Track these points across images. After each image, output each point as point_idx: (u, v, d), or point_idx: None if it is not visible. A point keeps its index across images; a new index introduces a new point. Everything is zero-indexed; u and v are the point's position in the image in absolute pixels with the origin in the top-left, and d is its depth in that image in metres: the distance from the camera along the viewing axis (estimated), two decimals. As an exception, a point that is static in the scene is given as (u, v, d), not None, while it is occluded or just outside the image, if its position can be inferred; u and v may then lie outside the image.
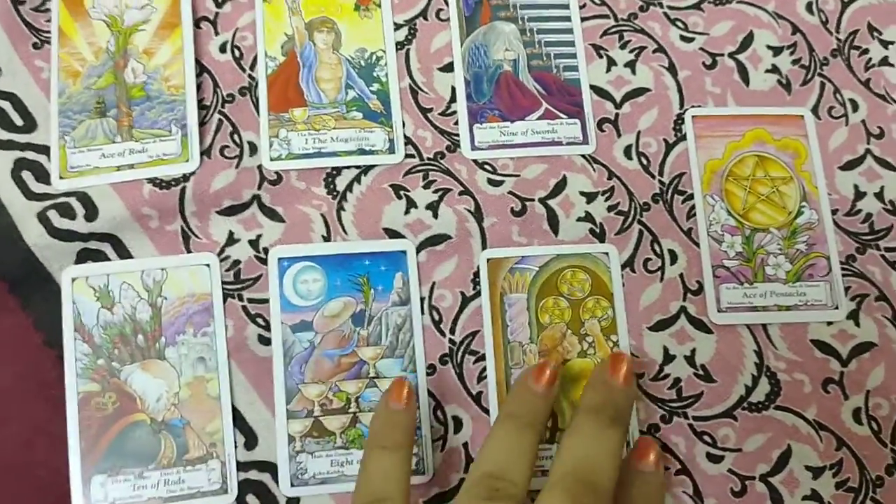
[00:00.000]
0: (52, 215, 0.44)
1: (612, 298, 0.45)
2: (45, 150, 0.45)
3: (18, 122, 0.45)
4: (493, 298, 0.45)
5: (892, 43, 0.50)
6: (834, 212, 0.47)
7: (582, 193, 0.46)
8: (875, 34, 0.50)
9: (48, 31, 0.47)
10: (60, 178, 0.44)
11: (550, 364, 0.40)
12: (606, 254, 0.45)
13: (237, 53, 0.47)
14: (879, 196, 0.47)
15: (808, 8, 0.50)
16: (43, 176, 0.45)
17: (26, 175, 0.45)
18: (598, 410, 0.39)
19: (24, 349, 0.43)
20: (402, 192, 0.46)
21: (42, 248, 0.43)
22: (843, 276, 0.46)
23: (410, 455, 0.39)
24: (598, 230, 0.46)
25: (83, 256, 0.44)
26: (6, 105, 0.46)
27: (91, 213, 0.44)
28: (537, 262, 0.45)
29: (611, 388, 0.40)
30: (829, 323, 0.45)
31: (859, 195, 0.47)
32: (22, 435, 0.42)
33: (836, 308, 0.45)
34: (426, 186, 0.46)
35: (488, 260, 0.45)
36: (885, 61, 0.50)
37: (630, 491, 0.39)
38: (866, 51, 0.50)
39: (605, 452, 0.37)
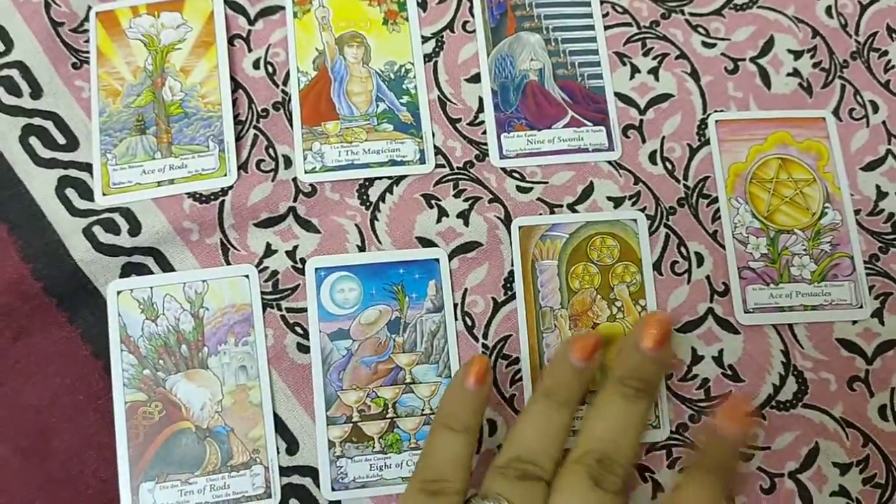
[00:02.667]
0: (98, 231, 0.45)
1: (640, 264, 0.46)
2: (87, 167, 0.46)
3: (61, 140, 0.47)
4: (525, 265, 0.46)
5: (911, 44, 0.51)
6: (857, 212, 0.48)
7: (609, 198, 0.48)
8: (894, 36, 0.51)
9: (87, 52, 0.48)
10: (103, 194, 0.46)
11: (592, 336, 0.40)
12: (635, 220, 0.47)
13: (270, 69, 0.49)
14: (901, 196, 0.48)
15: (828, 11, 0.51)
16: (86, 193, 0.46)
17: (70, 192, 0.46)
18: (624, 382, 0.39)
19: (72, 361, 0.44)
20: (433, 202, 0.47)
21: (88, 262, 0.45)
22: (867, 275, 0.47)
23: (476, 438, 0.39)
24: (625, 235, 0.47)
25: (127, 270, 0.45)
26: (49, 124, 0.47)
27: (134, 227, 0.45)
28: (567, 230, 0.46)
29: (640, 356, 0.40)
30: (854, 322, 0.46)
31: (881, 195, 0.48)
32: (72, 445, 0.44)
33: (861, 307, 0.46)
34: (457, 195, 0.47)
35: (520, 228, 0.46)
36: (904, 62, 0.51)
37: (706, 450, 0.39)
38: (885, 52, 0.51)
39: (628, 426, 0.38)
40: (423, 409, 0.44)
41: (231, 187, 0.46)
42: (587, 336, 0.40)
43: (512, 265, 0.46)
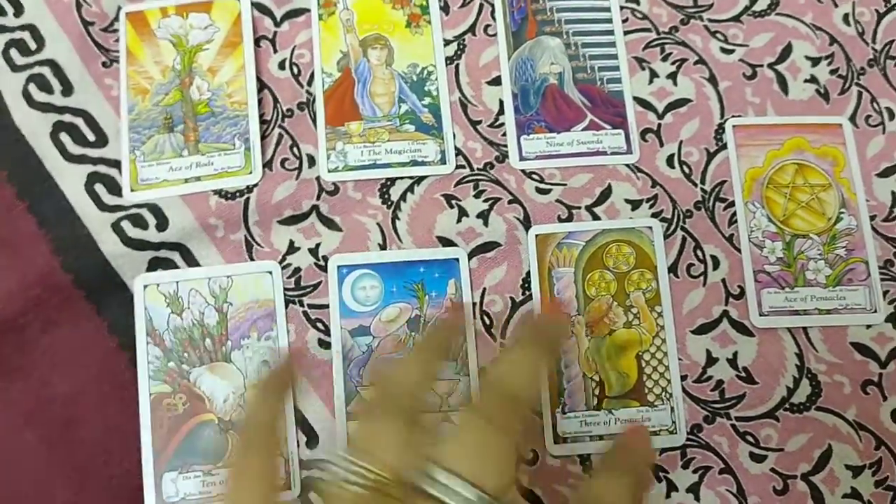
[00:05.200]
0: (126, 226, 0.46)
1: (655, 271, 0.47)
2: (116, 164, 0.48)
3: (91, 137, 0.48)
4: (542, 273, 0.46)
5: (928, 52, 0.51)
6: (872, 218, 0.48)
7: (626, 201, 0.48)
8: (911, 44, 0.52)
9: (117, 51, 0.49)
10: (132, 190, 0.47)
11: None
12: (650, 228, 0.47)
13: (295, 70, 0.50)
14: (917, 202, 0.49)
15: (845, 19, 0.52)
16: (115, 189, 0.47)
17: (99, 188, 0.47)
18: (523, 336, 0.37)
19: (99, 353, 0.45)
20: (453, 202, 0.48)
21: (117, 256, 0.46)
22: (882, 280, 0.47)
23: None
24: (642, 237, 0.48)
25: (154, 265, 0.46)
26: (79, 121, 0.48)
27: (162, 223, 0.46)
28: (584, 237, 0.47)
29: (535, 320, 0.41)
30: (868, 326, 0.47)
31: (897, 201, 0.49)
32: (97, 434, 0.45)
33: (875, 312, 0.47)
34: (477, 196, 0.48)
35: (536, 235, 0.47)
36: (921, 71, 0.51)
37: (611, 455, 0.37)
38: (902, 61, 0.51)
39: (525, 366, 0.35)
40: (440, 406, 0.45)
41: (256, 185, 0.47)
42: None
43: (530, 265, 0.47)
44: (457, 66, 0.50)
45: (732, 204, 0.48)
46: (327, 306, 0.46)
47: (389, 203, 0.48)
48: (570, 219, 0.48)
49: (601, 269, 0.47)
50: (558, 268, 0.47)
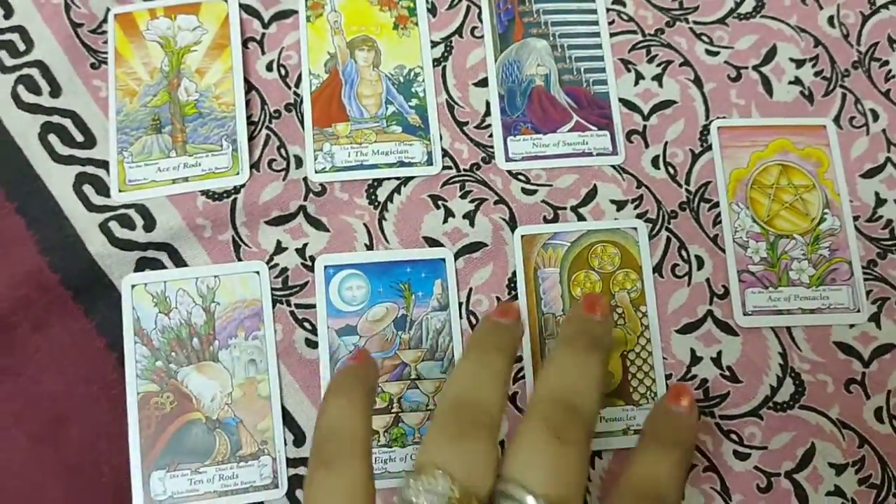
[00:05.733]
0: (114, 226, 0.47)
1: (640, 271, 0.47)
2: (104, 164, 0.48)
3: (79, 138, 0.48)
4: (528, 273, 0.47)
5: (911, 54, 0.52)
6: (855, 218, 0.49)
7: (612, 202, 0.49)
8: (895, 46, 0.52)
9: (105, 52, 0.50)
10: (120, 191, 0.47)
11: (514, 303, 0.40)
12: (635, 229, 0.48)
13: (283, 71, 0.50)
14: (900, 203, 0.49)
15: (830, 21, 0.52)
16: (103, 189, 0.47)
17: (87, 189, 0.47)
18: (574, 339, 0.37)
19: (87, 353, 0.46)
20: (440, 202, 0.48)
21: (104, 257, 0.46)
22: (865, 280, 0.48)
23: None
24: (627, 237, 0.48)
25: (142, 265, 0.46)
26: (67, 122, 0.48)
27: (149, 223, 0.47)
28: (569, 238, 0.48)
29: (586, 320, 0.39)
30: (852, 325, 0.47)
31: (880, 202, 0.49)
32: (86, 434, 0.45)
33: (858, 311, 0.47)
34: (463, 196, 0.48)
35: (522, 236, 0.47)
36: (904, 72, 0.51)
37: (657, 426, 0.39)
38: (886, 62, 0.51)
39: (583, 376, 0.35)
40: (427, 405, 0.45)
41: (243, 186, 0.48)
42: (510, 303, 0.41)
43: (516, 266, 0.47)
44: (444, 68, 0.50)
45: (717, 205, 0.49)
46: (314, 306, 0.46)
47: (376, 204, 0.48)
48: (555, 219, 0.48)
49: (586, 269, 0.47)
50: (544, 268, 0.47)
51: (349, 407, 0.34)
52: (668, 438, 0.38)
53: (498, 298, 0.47)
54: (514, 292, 0.47)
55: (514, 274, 0.47)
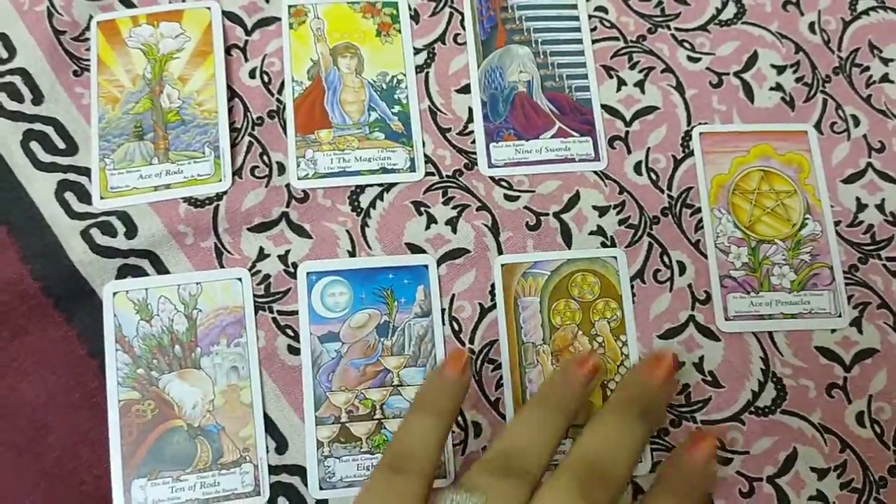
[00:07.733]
0: (95, 233, 0.47)
1: (620, 300, 0.47)
2: (86, 171, 0.48)
3: (61, 145, 0.48)
4: (508, 302, 0.47)
5: (892, 60, 0.52)
6: (837, 223, 0.49)
7: (594, 208, 0.49)
8: (875, 52, 0.52)
9: (88, 60, 0.50)
10: (101, 198, 0.47)
11: (595, 356, 0.40)
12: (615, 258, 0.48)
13: (266, 79, 0.50)
14: (880, 208, 0.49)
15: (811, 28, 0.52)
16: (85, 196, 0.47)
17: (69, 196, 0.47)
18: (627, 404, 0.38)
19: (68, 360, 0.45)
20: (422, 209, 0.48)
21: (85, 264, 0.46)
22: (846, 285, 0.48)
23: (451, 425, 0.39)
24: (609, 243, 0.48)
25: (123, 272, 0.46)
26: (49, 130, 0.48)
27: (131, 230, 0.47)
28: (549, 267, 0.47)
29: (644, 386, 0.40)
30: (833, 330, 0.47)
31: (861, 207, 0.49)
32: (67, 441, 0.45)
33: (840, 316, 0.47)
34: (445, 203, 0.48)
35: (503, 265, 0.47)
36: (885, 78, 0.52)
37: (673, 474, 0.39)
38: (867, 68, 0.52)
39: (624, 445, 0.36)
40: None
41: (226, 193, 0.48)
42: (589, 354, 0.41)
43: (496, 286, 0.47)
44: (426, 75, 0.51)
45: (699, 210, 0.49)
46: (297, 313, 0.46)
47: (359, 210, 0.48)
48: (538, 226, 0.48)
49: (566, 298, 0.47)
50: (524, 297, 0.47)
51: (432, 430, 0.38)
52: (682, 487, 0.38)
53: (480, 305, 0.47)
54: (495, 299, 0.47)
55: (494, 285, 0.47)
